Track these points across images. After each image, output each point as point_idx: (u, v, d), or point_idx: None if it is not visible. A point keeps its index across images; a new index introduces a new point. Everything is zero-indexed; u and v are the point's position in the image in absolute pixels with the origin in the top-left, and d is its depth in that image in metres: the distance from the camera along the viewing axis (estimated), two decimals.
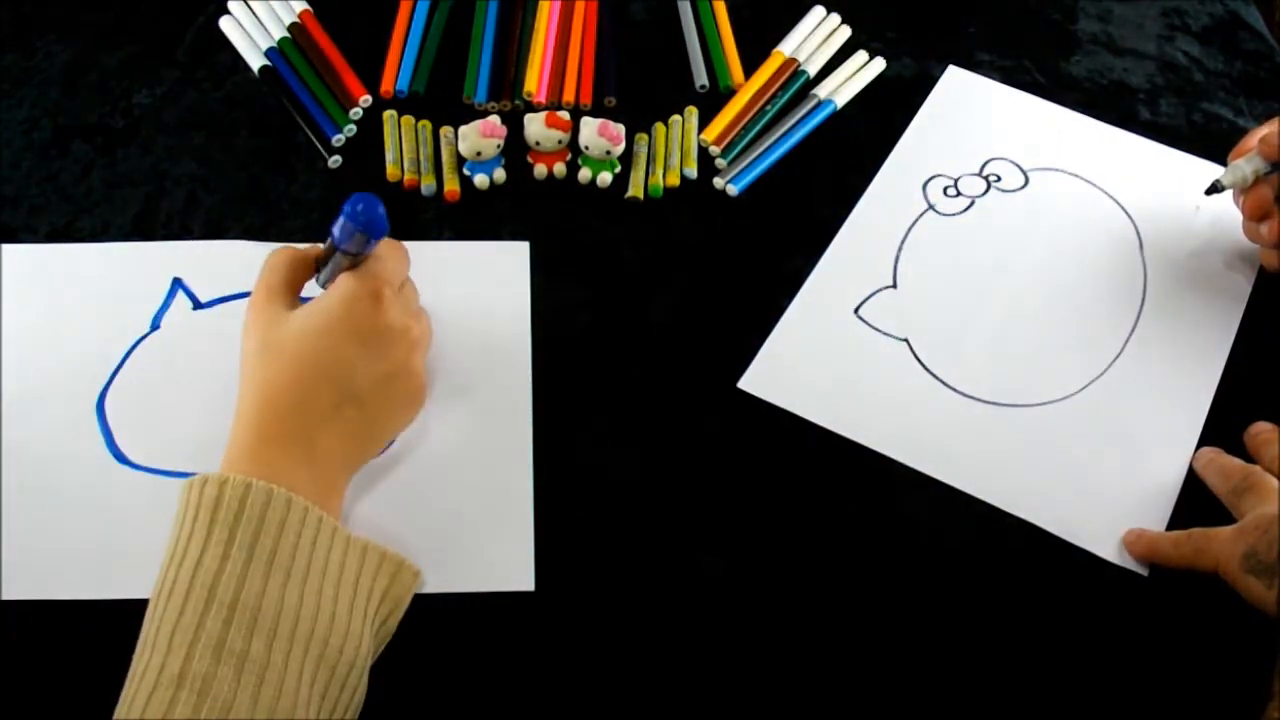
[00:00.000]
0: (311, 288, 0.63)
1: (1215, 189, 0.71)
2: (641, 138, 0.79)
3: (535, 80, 0.81)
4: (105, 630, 0.56)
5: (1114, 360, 0.70)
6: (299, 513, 0.54)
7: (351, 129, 0.79)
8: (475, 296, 0.71)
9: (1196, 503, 0.63)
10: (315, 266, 0.63)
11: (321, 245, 0.62)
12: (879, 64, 0.85)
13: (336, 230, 0.58)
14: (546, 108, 0.80)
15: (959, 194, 0.78)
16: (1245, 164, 0.70)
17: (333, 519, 0.56)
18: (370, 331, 0.59)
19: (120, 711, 0.49)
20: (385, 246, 0.61)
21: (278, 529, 0.53)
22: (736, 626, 0.59)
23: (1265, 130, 0.70)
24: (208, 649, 0.49)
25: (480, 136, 0.75)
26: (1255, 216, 0.70)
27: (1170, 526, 0.63)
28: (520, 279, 0.72)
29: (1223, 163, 0.80)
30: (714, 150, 0.79)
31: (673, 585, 0.61)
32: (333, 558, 0.55)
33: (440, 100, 0.81)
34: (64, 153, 0.78)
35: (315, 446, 0.57)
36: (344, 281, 0.59)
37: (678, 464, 0.65)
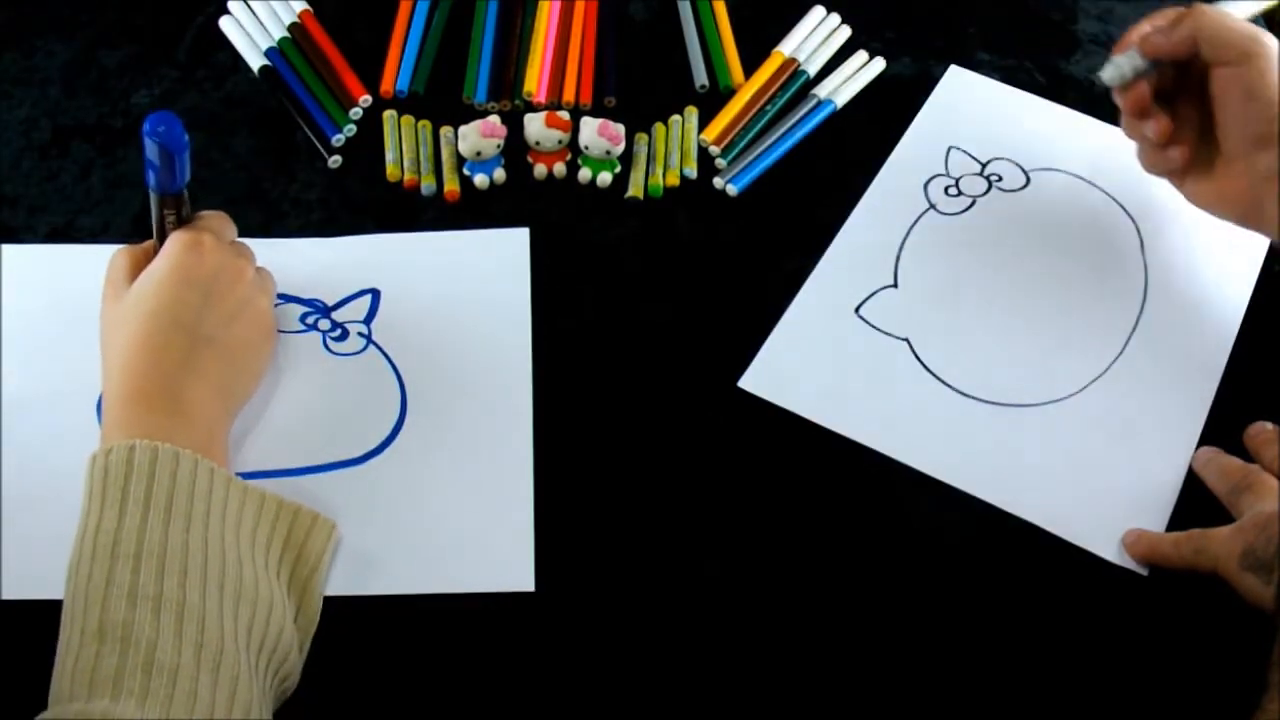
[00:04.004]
0: None
1: (1095, 85, 0.71)
2: (641, 138, 0.79)
3: (535, 80, 0.81)
4: None
5: (1114, 360, 0.70)
6: (189, 463, 0.54)
7: (351, 129, 0.79)
8: (475, 286, 0.71)
9: (1196, 503, 0.63)
10: (152, 253, 0.64)
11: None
12: (879, 64, 0.85)
13: (149, 172, 0.61)
14: (546, 108, 0.80)
15: (960, 194, 0.78)
16: (1125, 61, 0.68)
17: (223, 469, 0.56)
18: (203, 274, 0.61)
19: (52, 688, 0.49)
20: (210, 214, 0.65)
21: (170, 480, 0.53)
22: (736, 625, 0.59)
23: (1147, 25, 0.69)
24: (120, 599, 0.49)
25: (480, 136, 0.75)
26: (1135, 114, 0.70)
27: (1170, 527, 0.63)
28: (520, 266, 0.72)
29: None
30: (714, 150, 0.79)
31: (673, 585, 0.61)
32: (230, 506, 0.55)
33: (440, 100, 0.81)
34: (64, 153, 0.78)
35: (182, 398, 0.58)
36: (170, 238, 0.62)
37: (678, 464, 0.65)
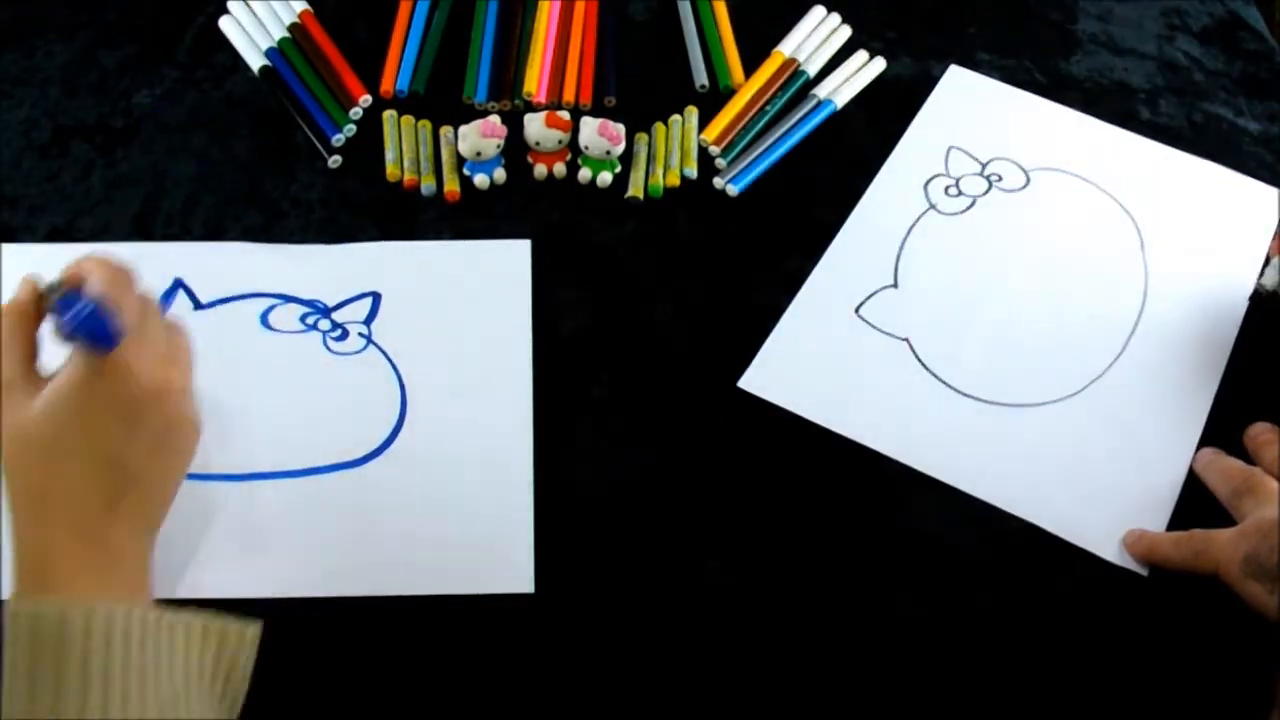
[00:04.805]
0: None
1: (1259, 294, 0.71)
2: (641, 138, 0.79)
3: (535, 80, 0.81)
4: None
5: (1114, 360, 0.70)
6: (121, 620, 0.49)
7: (351, 129, 0.79)
8: (475, 295, 0.71)
9: (1196, 503, 0.63)
10: (43, 298, 0.54)
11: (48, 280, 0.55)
12: (879, 64, 0.85)
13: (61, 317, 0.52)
14: (546, 108, 0.80)
15: (960, 193, 0.78)
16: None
17: (153, 610, 0.51)
18: (126, 403, 0.53)
19: None
20: (95, 267, 0.53)
21: (105, 645, 0.48)
22: (735, 626, 0.59)
23: None
24: None
25: (480, 136, 0.75)
26: None
27: (1170, 527, 0.63)
28: (521, 277, 0.72)
29: (1224, 162, 0.80)
30: (714, 150, 0.79)
31: (673, 586, 0.60)
32: (163, 647, 0.50)
33: (440, 100, 0.81)
34: (64, 153, 0.78)
35: (108, 544, 0.52)
36: (78, 360, 0.52)
37: (678, 464, 0.65)
